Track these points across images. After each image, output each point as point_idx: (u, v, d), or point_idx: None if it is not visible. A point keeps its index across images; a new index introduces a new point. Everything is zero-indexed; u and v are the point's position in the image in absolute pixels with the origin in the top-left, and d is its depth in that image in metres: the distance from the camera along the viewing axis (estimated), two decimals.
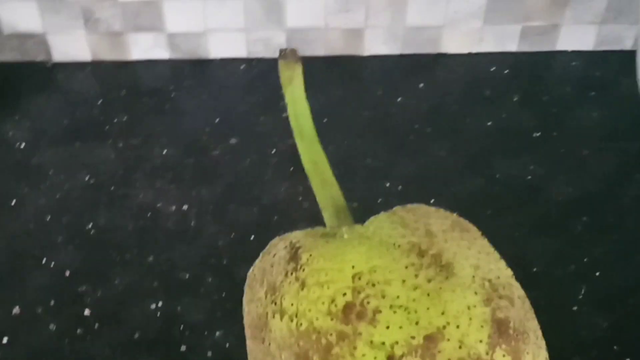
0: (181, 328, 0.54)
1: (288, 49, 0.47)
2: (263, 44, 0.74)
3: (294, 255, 0.38)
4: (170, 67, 0.75)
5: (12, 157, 0.67)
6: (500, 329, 0.35)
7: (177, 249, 0.59)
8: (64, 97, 0.72)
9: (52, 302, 0.56)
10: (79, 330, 0.55)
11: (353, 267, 0.36)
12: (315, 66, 0.74)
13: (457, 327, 0.34)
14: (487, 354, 0.34)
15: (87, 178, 0.65)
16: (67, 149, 0.67)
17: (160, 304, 0.56)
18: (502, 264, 0.40)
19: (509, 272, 0.40)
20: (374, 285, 0.35)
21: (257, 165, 0.65)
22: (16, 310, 0.56)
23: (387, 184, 0.64)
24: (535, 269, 0.58)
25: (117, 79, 0.74)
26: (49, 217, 0.62)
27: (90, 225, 0.61)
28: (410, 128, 0.68)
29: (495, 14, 0.73)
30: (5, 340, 0.54)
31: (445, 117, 0.69)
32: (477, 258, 0.38)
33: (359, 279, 0.36)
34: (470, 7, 0.72)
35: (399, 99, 0.71)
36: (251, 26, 0.73)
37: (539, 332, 0.38)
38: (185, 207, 0.62)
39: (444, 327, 0.34)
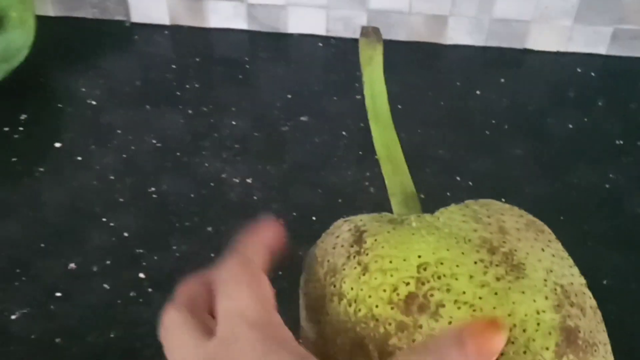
0: None
1: (370, 27, 0.45)
2: (343, 23, 0.73)
3: (358, 238, 0.37)
4: (247, 38, 0.74)
5: (82, 113, 0.67)
6: (569, 338, 0.33)
7: (237, 222, 0.58)
8: (138, 58, 0.72)
9: (109, 262, 0.56)
10: (132, 293, 0.54)
11: (419, 256, 0.34)
12: (395, 51, 0.72)
13: (524, 330, 0.32)
14: None
15: (154, 141, 0.64)
16: (137, 110, 0.67)
17: None
18: (576, 270, 0.38)
19: (582, 280, 0.38)
20: (439, 277, 0.33)
21: (326, 146, 0.64)
22: (72, 265, 0.56)
23: (458, 178, 0.61)
24: (605, 282, 0.55)
25: (193, 45, 0.73)
26: (113, 176, 0.61)
27: (152, 189, 0.61)
28: (487, 123, 0.66)
29: (588, 13, 0.70)
30: (58, 294, 0.54)
31: (524, 115, 0.67)
32: (550, 261, 0.36)
33: (425, 269, 0.34)
34: (563, 4, 0.69)
35: (478, 92, 0.69)
36: (333, 4, 0.71)
37: (609, 347, 0.36)
38: (249, 180, 0.61)
39: (510, 329, 0.32)
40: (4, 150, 0.63)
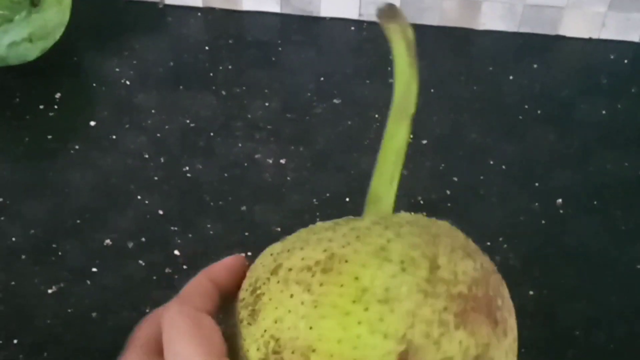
0: None
1: (386, 6, 0.37)
2: (376, 6, 0.73)
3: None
4: (279, 20, 0.74)
5: (116, 93, 0.67)
6: None
7: (271, 202, 0.59)
8: (171, 40, 0.72)
9: (143, 239, 0.56)
10: (167, 269, 0.55)
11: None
12: (428, 35, 0.72)
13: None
14: None
15: (187, 121, 0.64)
16: (170, 90, 0.67)
17: (249, 254, 0.55)
18: (335, 322, 0.30)
19: (317, 332, 0.31)
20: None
21: (358, 129, 0.64)
22: (107, 242, 0.56)
23: (491, 162, 0.61)
24: (639, 266, 0.55)
25: (226, 27, 0.73)
26: (147, 155, 0.62)
27: (186, 168, 0.61)
28: (519, 108, 0.66)
29: (622, 0, 0.70)
30: (94, 269, 0.55)
31: (557, 101, 0.67)
32: (287, 310, 0.31)
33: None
34: None
35: (511, 77, 0.69)
36: None
37: None
38: (282, 161, 0.61)
39: None
40: (40, 127, 0.64)
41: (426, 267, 0.30)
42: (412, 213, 0.35)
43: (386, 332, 0.29)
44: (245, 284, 0.34)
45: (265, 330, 0.31)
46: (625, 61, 0.71)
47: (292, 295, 0.31)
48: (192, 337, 0.32)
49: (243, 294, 0.33)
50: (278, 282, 0.31)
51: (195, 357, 0.31)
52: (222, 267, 0.36)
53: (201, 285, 0.35)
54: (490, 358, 0.30)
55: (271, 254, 0.34)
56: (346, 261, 0.30)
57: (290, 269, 0.31)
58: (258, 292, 0.32)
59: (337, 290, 0.30)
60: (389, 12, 0.37)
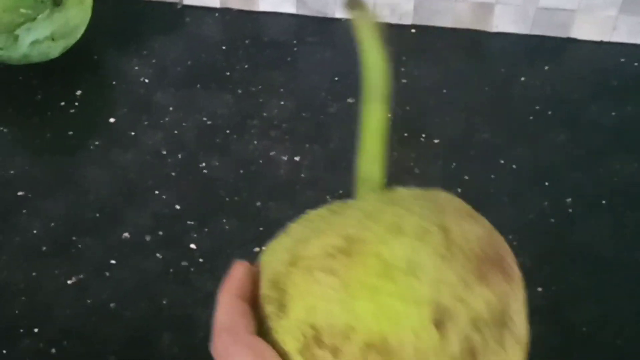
0: None
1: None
2: (389, 8, 0.74)
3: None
4: (295, 22, 0.75)
5: (135, 91, 0.68)
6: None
7: (286, 198, 0.60)
8: (189, 39, 0.74)
9: (161, 233, 0.58)
10: (183, 262, 0.56)
11: None
12: (441, 37, 0.73)
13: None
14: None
15: (204, 119, 0.66)
16: (188, 89, 0.69)
17: (264, 248, 0.56)
18: (368, 300, 0.32)
19: (349, 316, 0.32)
20: None
21: None
22: (126, 235, 0.58)
23: (502, 161, 0.63)
24: None
25: (243, 28, 0.75)
26: (165, 151, 0.63)
27: (203, 164, 0.62)
28: (531, 109, 0.67)
29: (633, 4, 0.70)
30: (113, 261, 0.56)
31: (568, 103, 0.68)
32: (318, 297, 0.32)
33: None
34: None
35: (523, 79, 0.70)
36: None
37: None
38: (297, 158, 0.63)
39: None
40: (60, 123, 0.66)
41: (439, 234, 0.32)
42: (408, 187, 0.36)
43: (417, 300, 0.30)
44: (263, 282, 0.34)
45: (299, 320, 0.32)
46: (636, 64, 0.72)
47: (319, 283, 0.32)
48: None
49: (265, 291, 0.34)
50: (301, 272, 0.32)
51: None
52: (239, 279, 0.35)
53: (235, 306, 0.34)
54: (512, 310, 0.32)
55: (283, 248, 0.34)
56: (364, 241, 0.31)
57: (311, 258, 0.32)
58: (281, 286, 0.33)
59: (362, 269, 0.31)
60: (353, 3, 0.38)
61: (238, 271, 0.36)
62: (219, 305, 0.35)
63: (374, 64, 0.38)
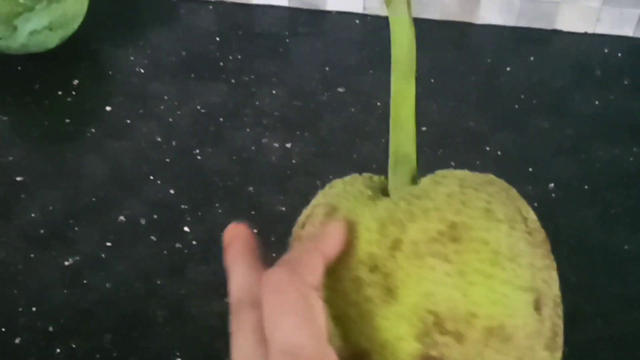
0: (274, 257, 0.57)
1: None
2: (379, 1, 0.76)
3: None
4: (287, 14, 0.77)
5: (131, 81, 0.70)
6: None
7: (277, 183, 0.62)
8: (184, 31, 0.75)
9: (155, 216, 0.60)
10: (177, 245, 0.58)
11: None
12: (429, 29, 0.75)
13: (382, 356, 0.33)
14: None
15: (198, 107, 0.68)
16: (182, 78, 0.70)
17: (255, 231, 0.58)
18: (487, 294, 0.33)
19: (489, 307, 0.32)
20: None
21: (362, 115, 0.67)
22: (122, 218, 0.60)
23: (487, 148, 0.64)
24: (626, 247, 0.58)
25: (236, 19, 0.76)
26: (159, 139, 0.65)
27: (197, 151, 0.64)
28: (516, 97, 0.69)
29: None
30: (109, 243, 0.58)
31: (552, 91, 0.70)
32: (438, 282, 0.32)
33: None
34: None
35: (508, 69, 0.71)
36: None
37: None
38: (288, 145, 0.64)
39: (368, 351, 0.33)
40: (58, 112, 0.67)
41: (522, 221, 0.34)
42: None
43: (522, 286, 0.32)
44: (355, 263, 0.33)
45: (416, 306, 0.32)
46: (619, 54, 0.74)
47: (433, 269, 0.32)
48: (300, 315, 0.30)
49: (360, 273, 0.33)
50: (410, 257, 0.32)
51: (299, 336, 0.30)
52: (332, 239, 0.34)
53: (311, 256, 0.33)
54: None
55: (369, 229, 0.33)
56: (470, 228, 0.33)
57: (415, 243, 0.32)
58: (383, 269, 0.33)
59: (475, 256, 0.32)
60: None
61: (336, 231, 0.34)
62: (233, 276, 0.34)
63: (407, 42, 0.38)
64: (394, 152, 0.38)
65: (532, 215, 0.36)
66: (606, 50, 0.74)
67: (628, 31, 0.75)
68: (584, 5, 0.73)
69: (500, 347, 0.32)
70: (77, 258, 0.57)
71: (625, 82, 0.71)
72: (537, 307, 0.33)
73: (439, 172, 0.37)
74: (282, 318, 0.31)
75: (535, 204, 0.60)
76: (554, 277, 0.35)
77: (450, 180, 0.36)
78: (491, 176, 0.37)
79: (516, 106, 0.68)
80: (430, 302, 0.32)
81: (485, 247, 0.32)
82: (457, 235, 0.32)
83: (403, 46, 0.38)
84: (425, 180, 0.36)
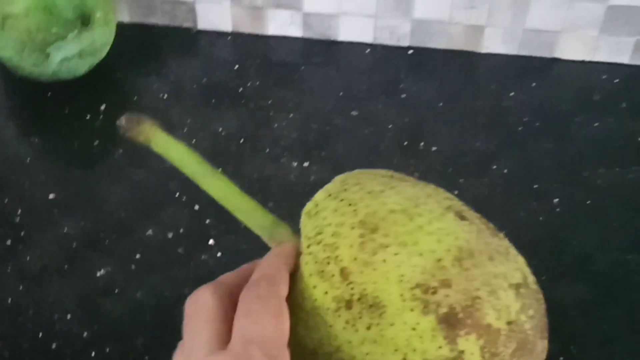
0: None
1: (125, 119, 0.47)
2: (389, 31, 0.80)
3: None
4: (301, 44, 0.81)
5: (154, 105, 0.74)
6: (449, 322, 0.34)
7: (296, 200, 0.65)
8: (204, 59, 0.80)
9: (182, 230, 0.63)
10: (203, 256, 0.61)
11: None
12: (437, 57, 0.79)
13: (415, 350, 0.35)
14: (452, 351, 0.34)
15: (219, 129, 0.71)
16: (203, 103, 0.74)
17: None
18: (430, 239, 0.37)
19: (440, 244, 0.36)
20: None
21: (375, 136, 0.71)
22: (149, 232, 0.63)
23: (494, 167, 0.68)
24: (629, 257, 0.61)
25: (253, 49, 0.81)
26: None
27: (219, 170, 0.67)
28: (519, 120, 0.73)
29: (612, 25, 0.77)
30: (138, 255, 0.61)
31: (554, 114, 0.73)
32: (397, 264, 0.36)
33: None
34: (590, 15, 0.76)
35: (512, 94, 0.75)
36: (380, 13, 0.79)
37: (497, 267, 0.37)
38: (306, 164, 0.68)
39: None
40: (87, 134, 0.71)
41: (389, 176, 0.42)
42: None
43: (439, 213, 0.38)
44: (331, 314, 0.36)
45: (402, 295, 0.35)
46: (616, 80, 0.78)
47: (384, 260, 0.36)
48: (273, 316, 0.34)
49: (342, 316, 0.36)
50: (361, 271, 0.36)
51: (269, 332, 0.34)
52: (290, 253, 0.39)
53: (279, 269, 0.38)
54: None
55: (317, 284, 0.37)
56: (373, 212, 0.38)
57: (354, 258, 0.37)
58: (355, 297, 0.36)
59: (397, 226, 0.37)
60: (130, 122, 0.45)
61: (290, 247, 0.40)
62: (267, 259, 0.39)
63: (182, 158, 0.45)
64: (261, 230, 0.44)
65: (397, 174, 0.42)
66: (604, 77, 0.78)
67: (624, 59, 0.79)
68: (583, 35, 0.78)
69: (475, 262, 0.36)
70: (109, 269, 0.60)
71: (623, 106, 0.75)
72: (461, 217, 0.38)
73: (306, 209, 0.44)
74: (257, 310, 0.34)
75: (541, 218, 0.65)
76: (448, 195, 0.40)
77: (322, 201, 0.43)
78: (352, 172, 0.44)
79: (520, 128, 0.72)
80: (407, 282, 0.35)
81: (394, 214, 0.37)
82: (372, 225, 0.37)
83: (184, 162, 0.45)
84: (304, 220, 0.43)
